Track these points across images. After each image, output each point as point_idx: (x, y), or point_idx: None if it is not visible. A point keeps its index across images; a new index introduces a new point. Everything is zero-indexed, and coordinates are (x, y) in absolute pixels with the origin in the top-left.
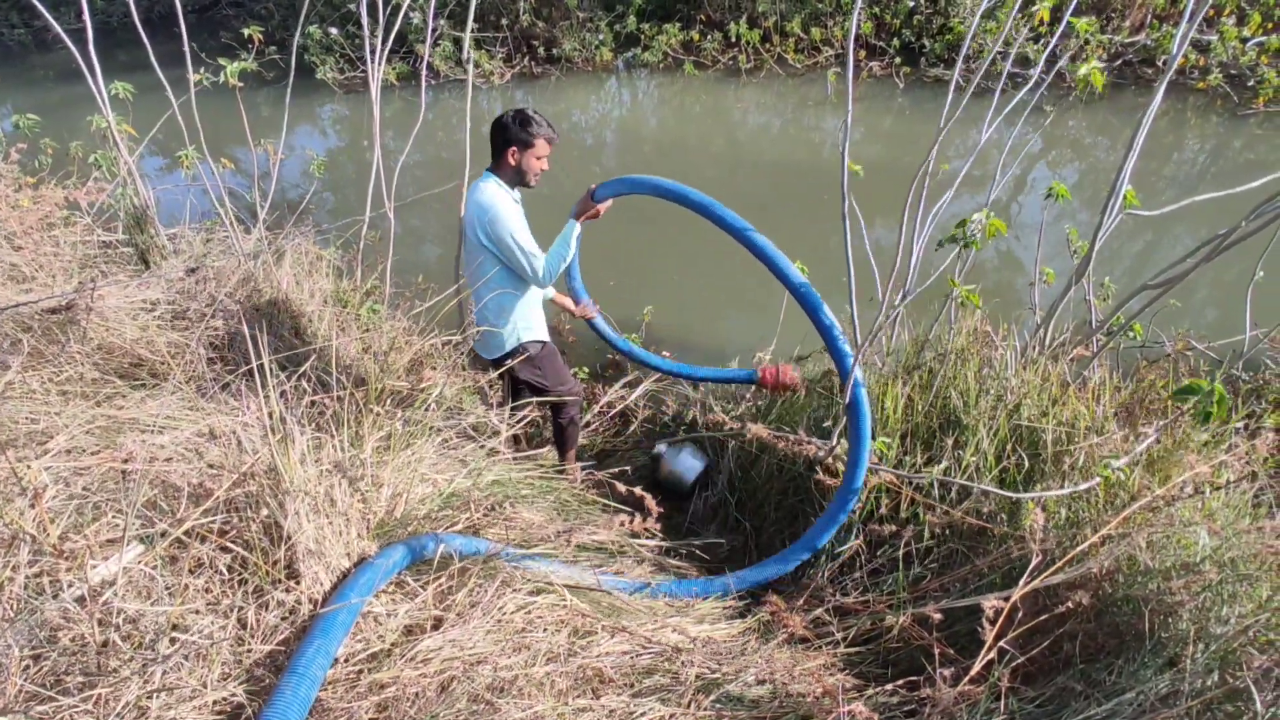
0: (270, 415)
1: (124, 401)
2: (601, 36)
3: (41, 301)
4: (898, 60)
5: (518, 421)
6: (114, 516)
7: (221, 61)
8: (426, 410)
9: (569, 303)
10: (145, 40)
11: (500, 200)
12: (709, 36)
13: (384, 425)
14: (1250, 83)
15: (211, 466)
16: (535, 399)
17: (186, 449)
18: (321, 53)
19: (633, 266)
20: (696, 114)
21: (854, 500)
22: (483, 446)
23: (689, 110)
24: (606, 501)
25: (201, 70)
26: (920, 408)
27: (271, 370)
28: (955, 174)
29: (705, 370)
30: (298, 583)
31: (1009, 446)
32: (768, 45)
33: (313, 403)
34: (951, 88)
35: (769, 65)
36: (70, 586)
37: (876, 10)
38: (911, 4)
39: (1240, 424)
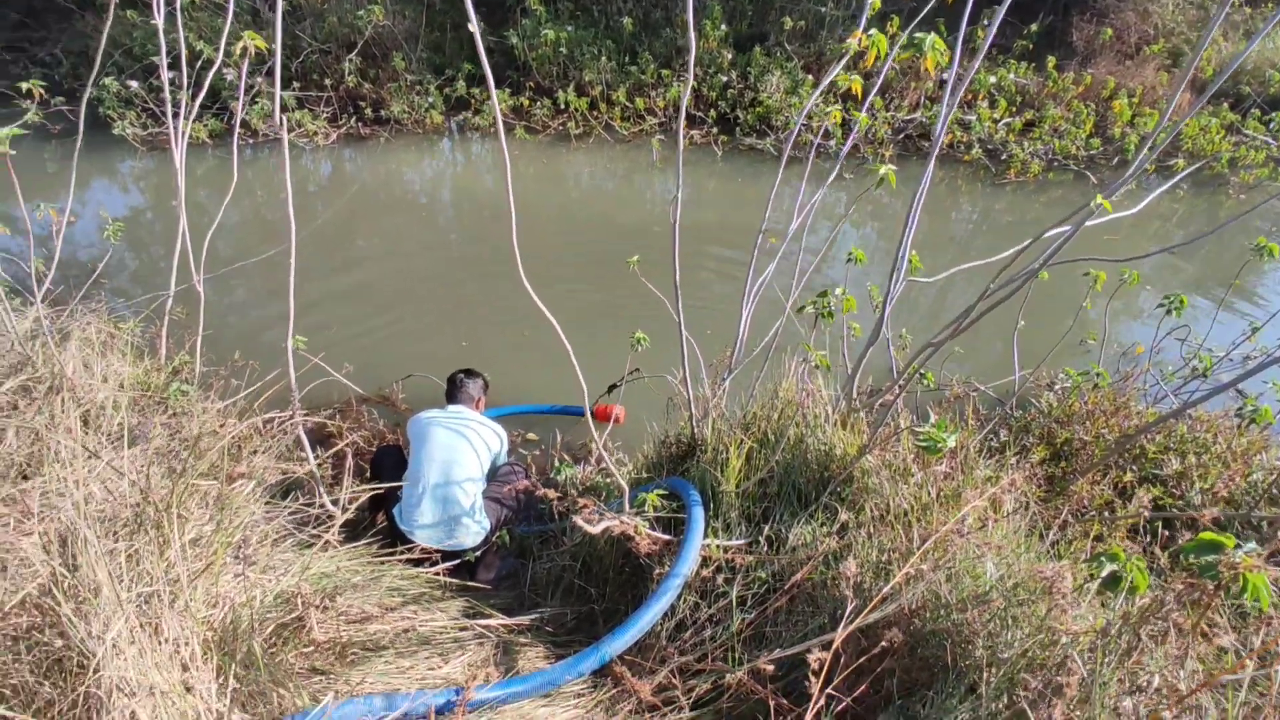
0: (52, 527)
1: None
2: (431, 99)
3: None
4: (715, 130)
5: (352, 506)
6: None
7: None
8: (241, 508)
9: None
10: None
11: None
12: (539, 103)
13: (195, 528)
14: (1003, 156)
15: None
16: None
17: None
18: (120, 106)
19: (466, 330)
20: (530, 176)
21: (674, 589)
22: (310, 539)
23: (523, 173)
24: (435, 576)
25: None
26: (757, 464)
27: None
28: (772, 239)
29: (545, 406)
30: None
31: (827, 496)
32: (595, 112)
33: (103, 507)
34: (782, 164)
35: (598, 131)
36: None
37: (694, 84)
38: (725, 79)
39: (1014, 458)
